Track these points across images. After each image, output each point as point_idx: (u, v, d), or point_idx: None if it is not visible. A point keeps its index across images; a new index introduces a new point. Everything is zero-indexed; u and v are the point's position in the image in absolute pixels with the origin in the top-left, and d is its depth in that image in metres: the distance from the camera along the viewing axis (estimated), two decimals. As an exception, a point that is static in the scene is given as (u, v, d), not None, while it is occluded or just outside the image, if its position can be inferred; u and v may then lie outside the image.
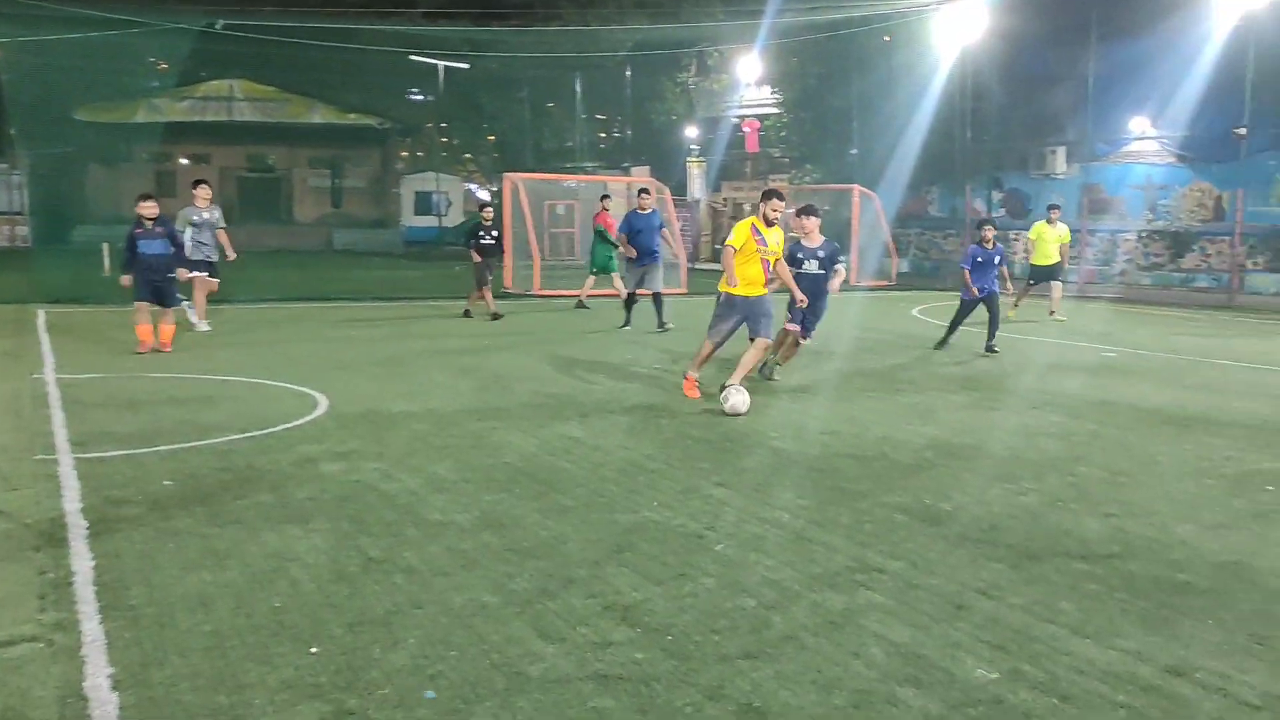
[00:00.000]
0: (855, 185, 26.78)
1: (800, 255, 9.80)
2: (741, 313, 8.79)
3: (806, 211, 9.94)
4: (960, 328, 12.83)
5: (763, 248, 8.58)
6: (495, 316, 15.77)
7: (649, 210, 14.74)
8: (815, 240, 9.90)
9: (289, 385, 9.43)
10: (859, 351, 12.73)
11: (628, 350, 12.49)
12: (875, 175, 27.28)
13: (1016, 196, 30.53)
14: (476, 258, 16.01)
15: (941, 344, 12.89)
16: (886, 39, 28.42)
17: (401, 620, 4.06)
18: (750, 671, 3.65)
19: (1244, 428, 8.17)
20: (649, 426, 7.94)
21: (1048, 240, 17.54)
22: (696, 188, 35.26)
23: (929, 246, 30.96)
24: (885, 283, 25.81)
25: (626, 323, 14.64)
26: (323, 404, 8.56)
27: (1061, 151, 28.23)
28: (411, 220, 42.60)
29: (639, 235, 14.48)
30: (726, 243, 8.74)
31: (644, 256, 14.53)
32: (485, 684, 3.53)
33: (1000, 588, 4.51)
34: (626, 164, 36.12)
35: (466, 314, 16.21)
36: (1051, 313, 17.34)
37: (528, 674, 3.60)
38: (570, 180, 31.96)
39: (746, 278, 8.68)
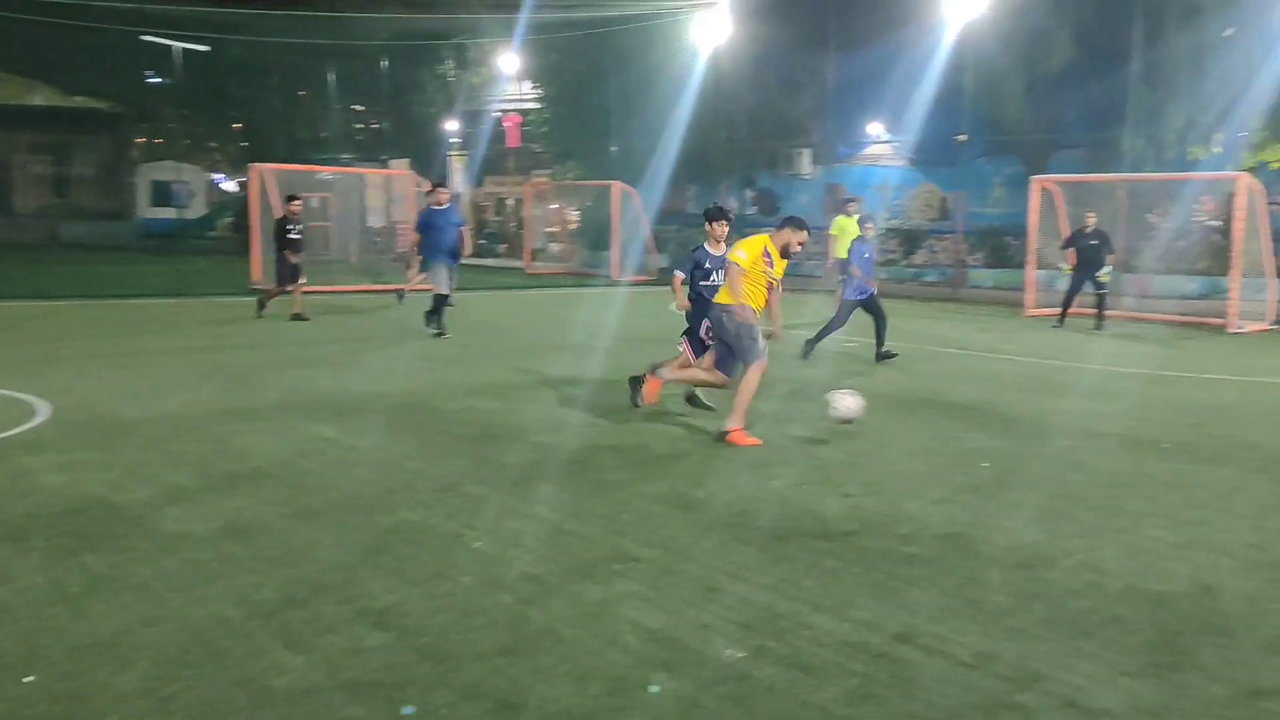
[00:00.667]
0: (616, 182, 27.24)
1: (709, 265, 8.38)
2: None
3: (718, 215, 8.56)
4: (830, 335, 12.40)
5: (769, 270, 7.67)
6: (299, 318, 14.85)
7: (446, 206, 13.60)
8: (722, 248, 8.41)
9: (3, 392, 8.59)
10: (620, 346, 12.96)
11: (388, 347, 12.18)
12: (636, 172, 27.84)
13: (767, 195, 31.99)
14: (292, 258, 15.00)
15: (808, 352, 12.15)
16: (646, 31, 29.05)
17: (131, 641, 3.78)
18: (507, 668, 3.63)
19: (964, 409, 8.90)
20: (408, 425, 7.77)
21: (852, 234, 18.13)
22: (459, 182, 34.82)
23: (688, 242, 31.95)
24: (646, 278, 26.40)
25: (441, 330, 13.24)
26: (43, 411, 7.85)
27: (807, 153, 29.77)
28: (149, 212, 39.70)
29: (439, 233, 13.27)
30: (734, 258, 7.60)
31: (446, 256, 13.29)
32: (226, 702, 3.34)
33: (749, 569, 4.70)
34: (385, 157, 35.18)
35: (261, 309, 15.22)
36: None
37: (273, 688, 3.44)
38: (325, 172, 30.78)
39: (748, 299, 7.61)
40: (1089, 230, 16.55)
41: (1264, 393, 10.30)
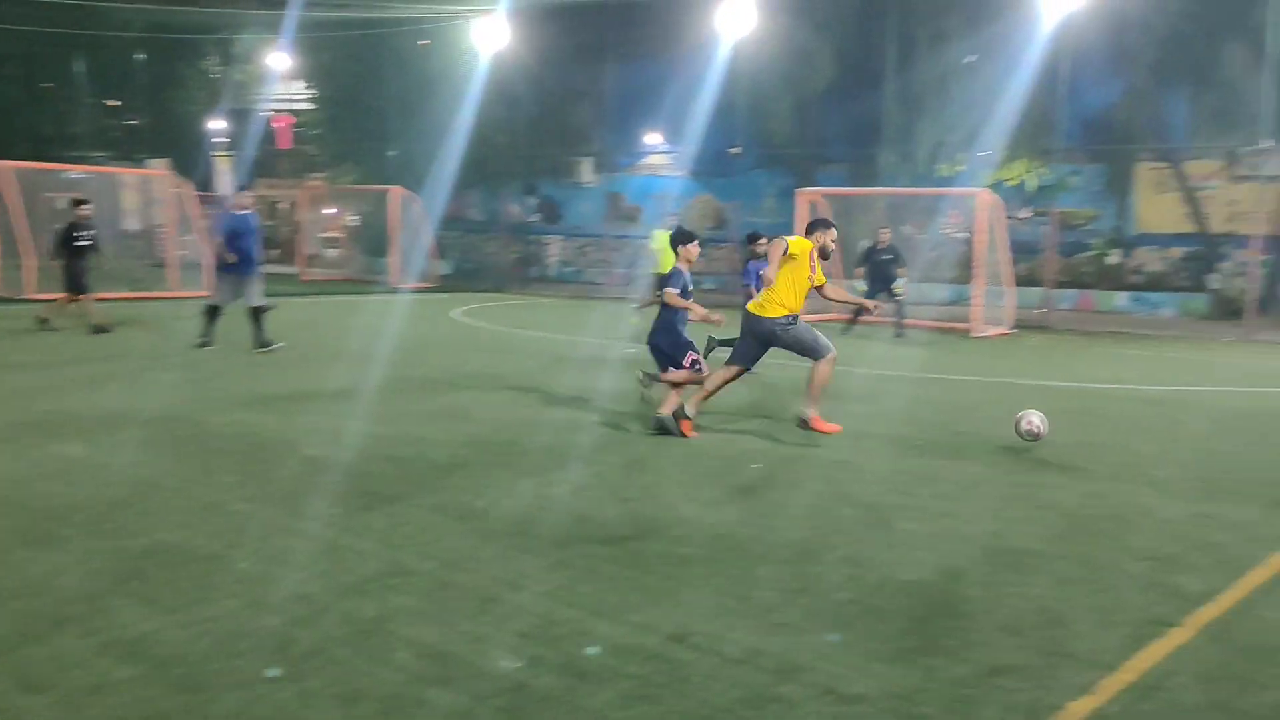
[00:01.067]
0: (395, 187, 26.64)
1: (690, 286, 8.76)
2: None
3: (689, 238, 8.91)
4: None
5: (814, 271, 8.04)
6: (100, 330, 13.67)
7: (247, 210, 12.57)
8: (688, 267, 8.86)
9: None
10: (400, 354, 12.67)
11: (150, 359, 11.41)
12: (417, 177, 27.33)
13: (550, 203, 32.11)
14: (79, 265, 13.83)
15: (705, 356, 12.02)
16: (423, 42, 28.57)
17: None
18: (272, 694, 3.47)
19: (735, 413, 9.23)
20: (167, 441, 7.31)
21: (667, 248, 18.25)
22: (225, 184, 33.09)
23: (470, 249, 31.60)
24: (428, 285, 25.95)
25: (208, 340, 12.49)
26: None
27: (589, 161, 30.11)
28: None
29: (239, 239, 12.20)
30: (782, 243, 7.80)
31: (244, 264, 12.27)
32: (-53, 754, 3.03)
33: (528, 578, 4.69)
34: (142, 156, 32.97)
35: (44, 323, 13.97)
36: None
37: (4, 734, 3.15)
38: (73, 171, 28.53)
39: (788, 298, 7.98)
40: (882, 246, 17.49)
41: (1004, 392, 11.20)
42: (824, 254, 8.18)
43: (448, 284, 27.08)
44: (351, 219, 31.93)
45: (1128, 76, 25.98)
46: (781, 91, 26.84)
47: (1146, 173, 28.44)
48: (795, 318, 8.06)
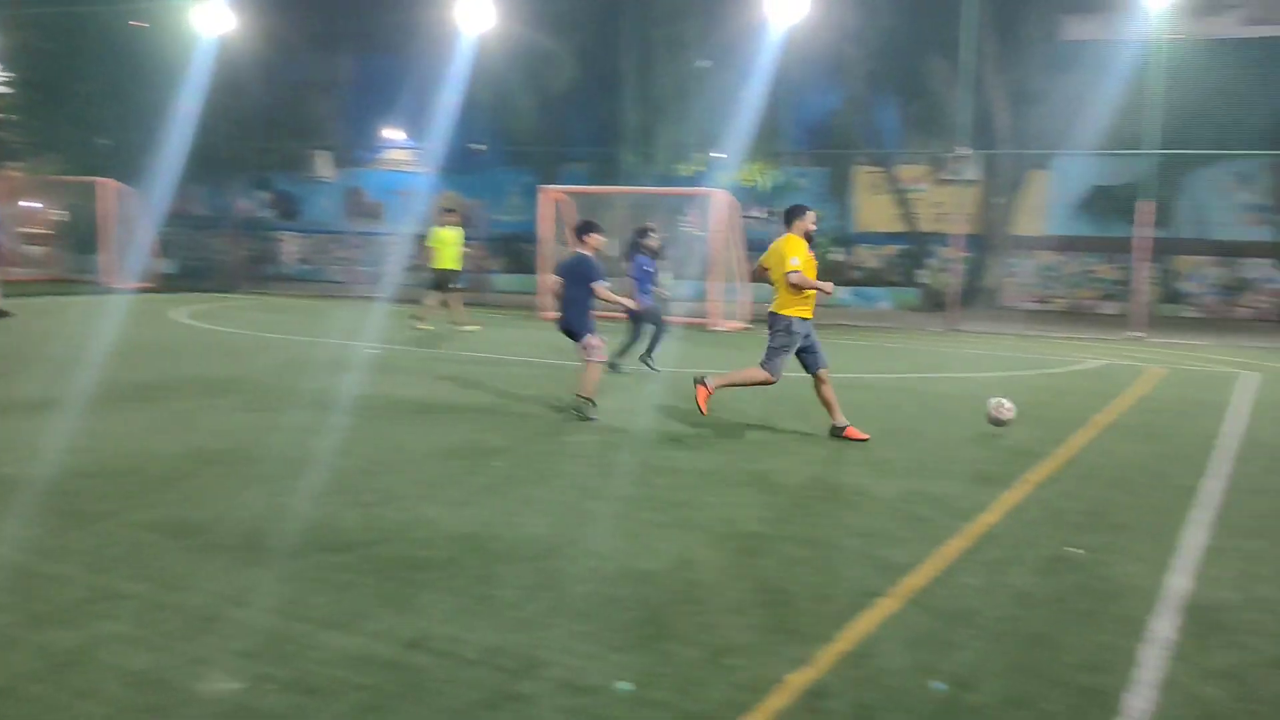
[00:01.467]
0: (104, 179, 24.60)
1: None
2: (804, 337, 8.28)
3: (593, 228, 9.40)
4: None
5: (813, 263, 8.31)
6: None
7: None
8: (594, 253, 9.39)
9: None
10: (113, 360, 11.71)
11: None
12: (133, 169, 25.34)
13: (286, 198, 30.68)
14: None
15: (614, 367, 11.94)
16: (136, 24, 26.52)
17: None
18: (-51, 742, 3.11)
19: (483, 411, 9.16)
20: None
21: (450, 243, 17.07)
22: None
23: (197, 246, 29.70)
24: (148, 285, 24.16)
25: None
26: None
27: (326, 156, 29.00)
28: None
29: None
30: (793, 267, 7.97)
31: None
32: None
33: (254, 593, 4.44)
34: None
35: None
36: (420, 324, 16.84)
37: None
38: None
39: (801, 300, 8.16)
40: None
41: (786, 385, 11.68)
42: (811, 241, 8.38)
43: (171, 284, 25.32)
44: (57, 213, 29.22)
45: (846, 86, 27.85)
46: (524, 89, 26.90)
47: (863, 176, 30.63)
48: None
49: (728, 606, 4.43)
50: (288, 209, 30.39)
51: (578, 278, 9.14)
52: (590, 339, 9.09)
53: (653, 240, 12.54)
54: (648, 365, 12.47)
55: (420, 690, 3.56)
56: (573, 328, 9.18)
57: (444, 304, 17.19)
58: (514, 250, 31.40)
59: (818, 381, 8.43)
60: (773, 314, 8.34)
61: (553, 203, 21.31)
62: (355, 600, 4.40)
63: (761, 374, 8.30)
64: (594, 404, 8.96)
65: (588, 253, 9.25)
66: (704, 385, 8.45)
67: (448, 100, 24.91)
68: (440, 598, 4.44)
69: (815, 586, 4.71)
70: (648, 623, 4.22)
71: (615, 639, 4.03)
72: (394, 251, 29.06)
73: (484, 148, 25.57)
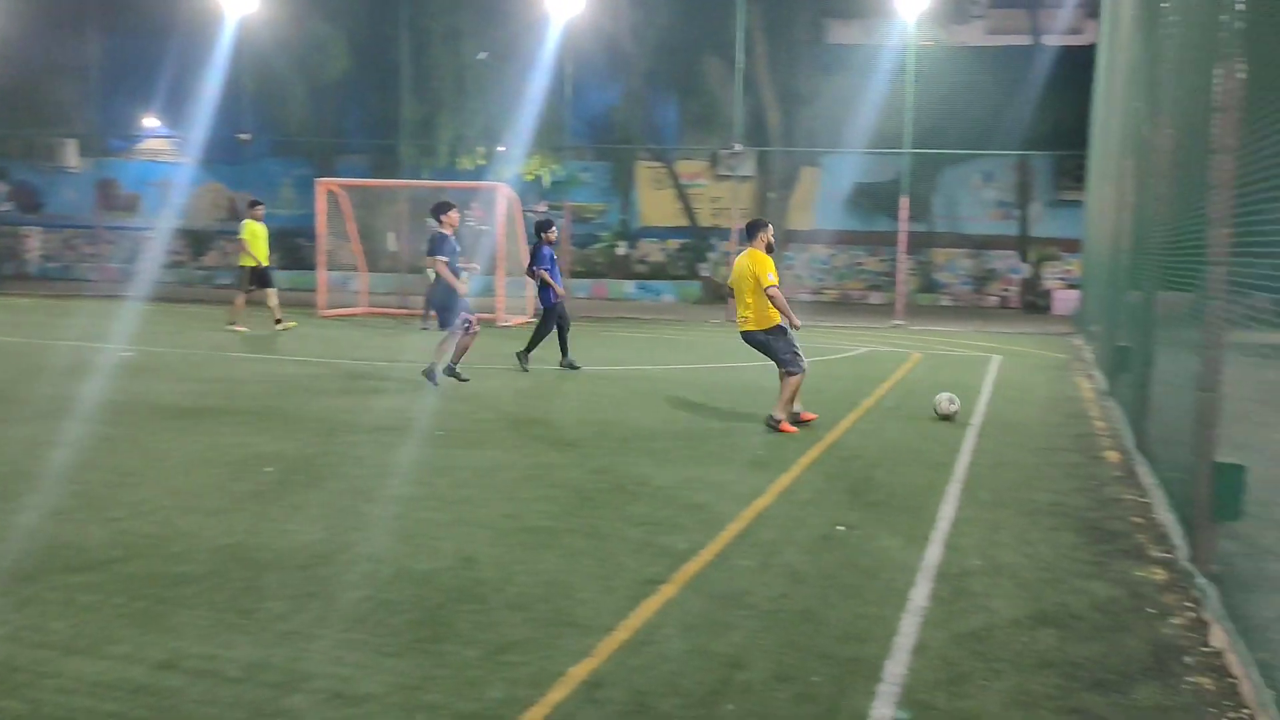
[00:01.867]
0: None
1: (459, 249, 10.42)
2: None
3: (448, 208, 10.56)
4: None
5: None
6: None
7: None
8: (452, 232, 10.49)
9: None
10: None
11: None
12: None
13: (26, 189, 28.24)
14: None
15: (523, 361, 12.02)
16: None
17: None
18: None
19: (252, 414, 8.71)
20: None
21: (263, 238, 16.11)
22: None
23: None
24: None
25: None
26: None
27: (73, 144, 26.89)
28: None
29: None
30: (770, 283, 8.35)
31: None
32: None
33: (-18, 621, 4.03)
34: None
35: None
36: (279, 321, 16.10)
37: None
38: None
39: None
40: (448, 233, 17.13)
41: (523, 379, 11.64)
42: (770, 251, 8.62)
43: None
44: None
45: (624, 81, 28.26)
46: (294, 77, 25.78)
47: (645, 171, 31.19)
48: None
49: (509, 603, 4.38)
50: (29, 201, 27.91)
51: (430, 253, 10.36)
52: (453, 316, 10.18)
53: (552, 233, 12.43)
54: (570, 366, 12.22)
55: (173, 714, 3.32)
56: (436, 303, 10.47)
57: (249, 300, 16.38)
58: (289, 245, 30.10)
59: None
60: (754, 332, 8.57)
61: (327, 194, 20.51)
62: (100, 622, 4.06)
63: (795, 379, 8.52)
64: (440, 370, 10.23)
65: (444, 230, 10.30)
66: (782, 423, 8.50)
67: (210, 87, 23.58)
68: (198, 614, 4.17)
69: (599, 578, 4.72)
70: (424, 625, 4.11)
71: (389, 645, 3.90)
72: (152, 246, 27.28)
73: (249, 137, 24.24)
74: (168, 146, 28.29)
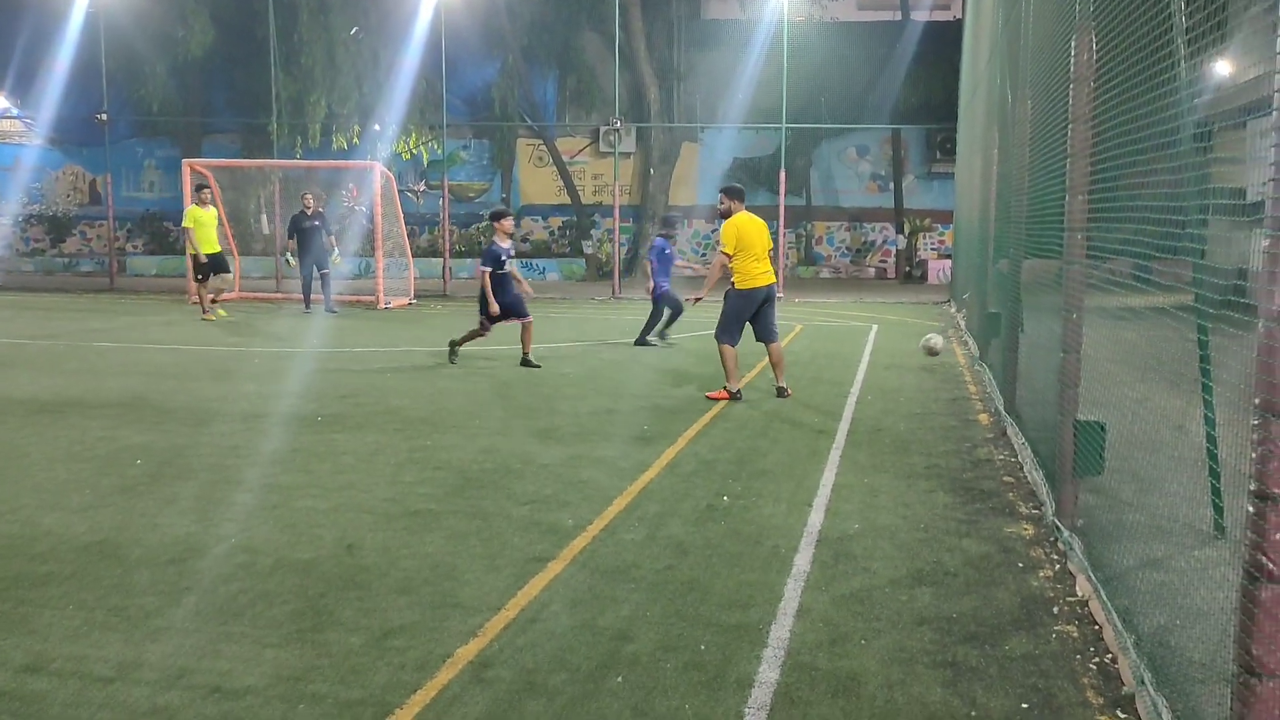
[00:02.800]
0: None
1: (503, 257, 10.51)
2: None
3: (505, 214, 10.78)
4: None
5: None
6: None
7: None
8: (507, 241, 10.64)
9: None
10: None
11: None
12: None
13: None
14: None
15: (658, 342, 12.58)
16: None
17: None
18: None
19: (119, 406, 8.35)
20: None
21: (209, 225, 15.28)
22: None
23: None
24: None
25: None
26: None
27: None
28: None
29: None
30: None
31: None
32: None
33: None
34: None
35: None
36: (217, 313, 15.45)
37: None
38: None
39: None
40: (309, 213, 16.51)
41: (406, 360, 11.46)
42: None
43: None
44: None
45: (502, 58, 27.89)
46: (155, 54, 24.68)
47: (525, 148, 30.90)
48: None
49: (393, 588, 4.31)
50: None
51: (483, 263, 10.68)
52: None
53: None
54: (661, 341, 12.78)
55: (40, 718, 3.17)
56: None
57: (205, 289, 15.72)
58: (155, 230, 28.93)
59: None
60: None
61: (195, 176, 19.72)
62: (-43, 629, 3.85)
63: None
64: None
65: (498, 239, 10.58)
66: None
67: (61, 64, 22.40)
68: (64, 615, 3.99)
69: (485, 558, 4.69)
70: (306, 614, 4.01)
71: (269, 636, 3.80)
72: (5, 233, 25.91)
73: (106, 117, 23.07)
74: (18, 128, 26.79)
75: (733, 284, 8.84)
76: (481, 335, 10.88)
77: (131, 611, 4.04)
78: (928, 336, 11.43)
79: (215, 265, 15.53)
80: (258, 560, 4.65)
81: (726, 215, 8.87)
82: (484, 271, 10.55)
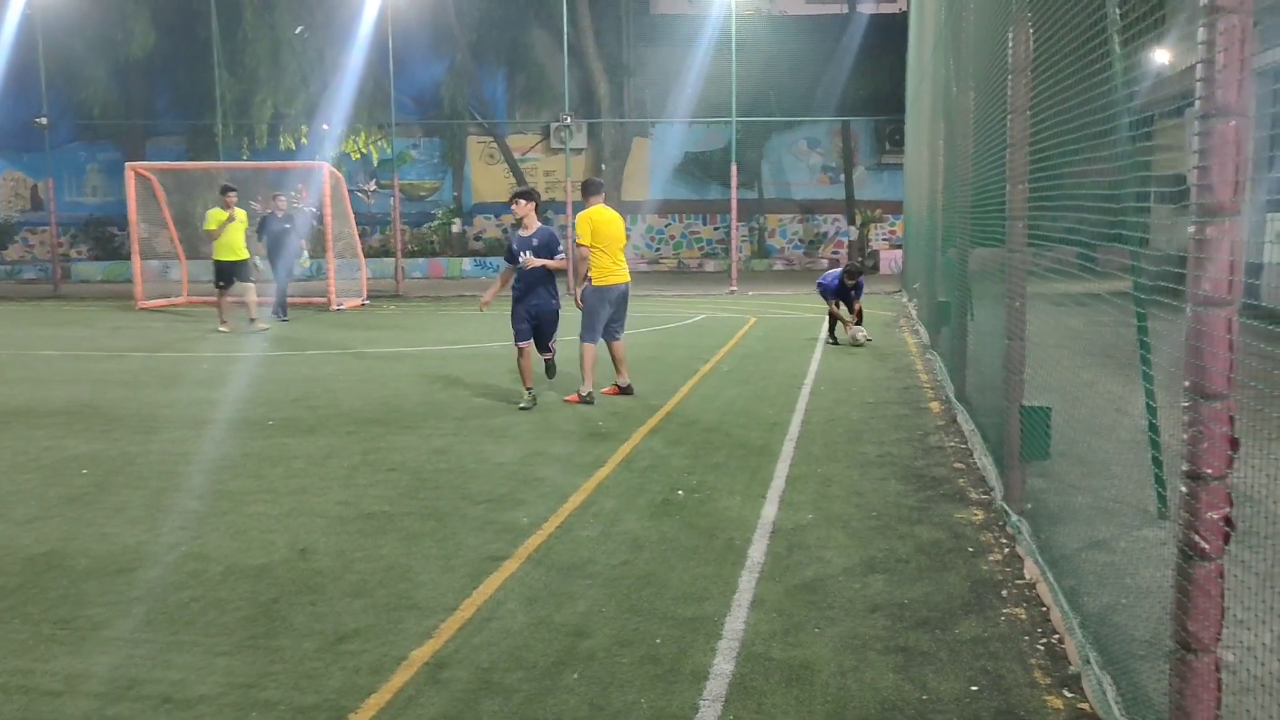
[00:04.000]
0: None
1: (516, 247, 8.38)
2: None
3: (525, 195, 8.49)
4: None
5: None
6: None
7: None
8: (532, 227, 8.44)
9: None
10: None
11: None
12: None
13: None
14: None
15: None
16: None
17: None
18: None
19: (66, 414, 8.21)
20: None
21: (237, 229, 14.30)
22: None
23: None
24: None
25: None
26: None
27: None
28: None
29: None
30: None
31: None
32: None
33: None
34: None
35: None
36: (224, 324, 14.34)
37: None
38: None
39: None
40: (281, 215, 15.57)
41: (358, 362, 11.37)
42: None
43: None
44: None
45: (450, 55, 27.74)
46: (95, 56, 24.24)
47: (476, 146, 30.76)
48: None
49: (347, 591, 4.28)
50: None
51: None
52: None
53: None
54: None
55: (-16, 737, 3.12)
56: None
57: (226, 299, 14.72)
58: (98, 234, 28.44)
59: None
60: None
61: (139, 180, 19.39)
62: (-101, 647, 3.77)
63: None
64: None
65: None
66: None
67: (-2, 67, 21.96)
68: (10, 629, 3.92)
69: (440, 559, 4.67)
70: (259, 621, 3.98)
71: (221, 644, 3.76)
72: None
73: (46, 121, 22.57)
74: (-45, 133, 26.21)
75: (590, 281, 8.58)
76: (525, 361, 8.58)
77: (79, 623, 3.98)
78: (855, 327, 12.17)
79: (237, 272, 14.59)
80: (208, 567, 4.60)
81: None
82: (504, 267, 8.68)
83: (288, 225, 15.71)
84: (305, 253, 16.33)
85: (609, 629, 3.85)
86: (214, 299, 15.22)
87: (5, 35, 21.99)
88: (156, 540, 4.99)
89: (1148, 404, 4.47)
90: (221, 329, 14.38)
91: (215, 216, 14.47)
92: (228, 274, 14.54)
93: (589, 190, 8.76)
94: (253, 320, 14.59)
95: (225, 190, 14.74)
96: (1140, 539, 4.59)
